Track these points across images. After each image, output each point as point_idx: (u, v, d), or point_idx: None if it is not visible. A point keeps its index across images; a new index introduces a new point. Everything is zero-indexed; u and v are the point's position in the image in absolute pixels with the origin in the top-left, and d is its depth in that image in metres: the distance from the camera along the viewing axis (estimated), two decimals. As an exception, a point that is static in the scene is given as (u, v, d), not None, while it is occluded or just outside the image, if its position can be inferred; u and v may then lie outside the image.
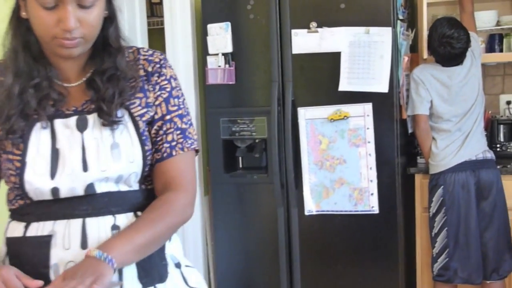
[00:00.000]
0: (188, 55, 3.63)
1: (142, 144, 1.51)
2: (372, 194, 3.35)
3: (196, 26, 3.69)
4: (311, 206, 3.45)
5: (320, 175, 3.42)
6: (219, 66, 3.51)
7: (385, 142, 3.32)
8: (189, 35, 3.62)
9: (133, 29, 3.51)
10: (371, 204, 3.35)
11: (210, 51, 3.53)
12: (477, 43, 3.40)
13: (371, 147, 3.33)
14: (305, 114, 3.42)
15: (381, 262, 3.40)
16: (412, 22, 3.72)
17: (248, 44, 3.49)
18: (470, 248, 3.27)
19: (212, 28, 3.51)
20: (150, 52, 1.61)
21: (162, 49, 3.70)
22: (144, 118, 1.53)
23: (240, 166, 3.73)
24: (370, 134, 3.32)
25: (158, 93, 1.56)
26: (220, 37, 3.50)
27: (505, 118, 3.81)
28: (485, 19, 3.72)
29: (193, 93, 3.67)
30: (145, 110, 1.54)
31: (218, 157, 3.60)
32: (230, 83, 3.52)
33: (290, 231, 3.51)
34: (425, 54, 3.54)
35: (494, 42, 3.83)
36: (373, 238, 3.38)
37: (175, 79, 1.61)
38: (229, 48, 3.49)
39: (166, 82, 1.58)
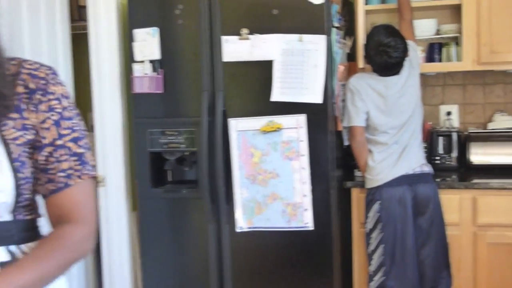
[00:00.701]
0: (113, 62, 3.41)
1: (15, 171, 1.31)
2: (306, 209, 3.19)
3: (122, 31, 3.48)
4: (242, 223, 3.27)
5: (252, 189, 3.25)
6: (146, 74, 3.31)
7: (319, 155, 3.17)
8: (114, 41, 3.41)
9: (53, 34, 3.27)
10: (305, 220, 3.19)
11: (137, 58, 3.32)
12: (415, 52, 3.28)
13: (305, 161, 3.17)
14: (236, 125, 3.25)
15: (316, 280, 3.24)
16: (350, 30, 3.59)
17: (177, 51, 3.30)
18: (407, 266, 3.14)
19: (139, 33, 3.30)
20: (36, 66, 1.41)
21: (87, 55, 3.48)
22: (18, 142, 1.33)
23: (169, 180, 3.52)
24: (303, 147, 3.17)
25: (47, 114, 1.36)
26: (147, 43, 3.30)
27: (445, 129, 3.70)
28: (424, 28, 3.62)
29: (118, 102, 3.45)
30: (20, 132, 1.34)
31: (145, 171, 3.39)
32: (158, 92, 3.32)
33: (221, 248, 3.32)
34: (361, 63, 3.41)
35: (433, 51, 3.73)
36: (308, 256, 3.22)
37: (67, 97, 1.41)
38: (156, 55, 3.29)
39: (55, 101, 1.38)
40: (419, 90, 3.27)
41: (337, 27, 3.25)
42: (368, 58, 3.19)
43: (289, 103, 3.15)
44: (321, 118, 3.15)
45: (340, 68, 3.24)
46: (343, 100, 3.31)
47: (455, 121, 3.86)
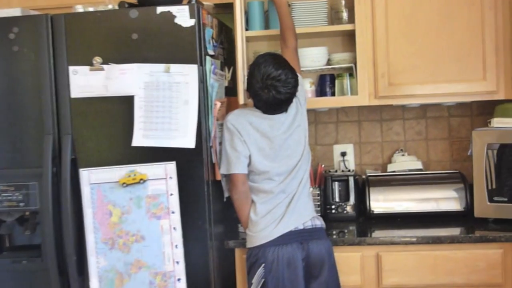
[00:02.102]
0: None
1: None
2: (179, 279, 2.58)
3: None
4: (98, 300, 2.60)
5: (111, 257, 2.60)
6: (-29, 114, 2.59)
7: (194, 211, 2.59)
8: None
9: None
10: (178, 293, 2.57)
11: (-41, 94, 2.61)
12: (301, 87, 2.77)
13: (176, 219, 2.57)
14: (89, 177, 2.60)
15: None
16: (229, 59, 3.05)
17: (12, 85, 2.62)
18: None
19: (-39, 63, 2.60)
20: None
21: None
22: None
23: (7, 246, 2.80)
24: (174, 202, 2.57)
25: None
26: (-27, 75, 2.59)
27: (340, 173, 3.22)
28: (314, 57, 3.14)
29: None
30: None
31: (-26, 237, 2.66)
32: (-12, 136, 2.61)
33: (73, 333, 2.63)
34: (242, 99, 2.85)
35: (325, 84, 3.26)
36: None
37: None
38: (-15, 90, 2.60)
39: None
40: (307, 130, 2.77)
41: (212, 56, 2.70)
42: (252, 92, 2.63)
43: (155, 149, 2.56)
44: (195, 166, 2.57)
45: (217, 105, 2.68)
46: (221, 143, 2.75)
47: (351, 163, 3.40)
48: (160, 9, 2.55)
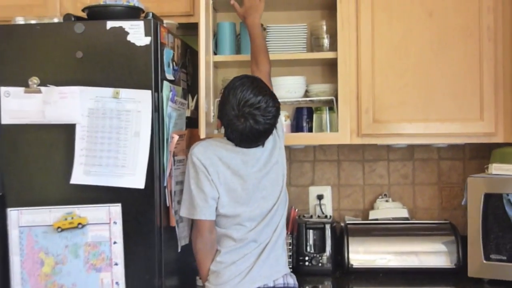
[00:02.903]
0: None
1: None
2: None
3: None
4: None
5: (40, 315, 2.18)
6: None
7: (141, 263, 2.19)
8: None
9: None
10: None
11: None
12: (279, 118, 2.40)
13: (119, 272, 2.17)
14: (19, 218, 2.19)
15: None
16: (195, 86, 2.68)
17: None
18: None
19: None
20: None
21: None
22: None
23: None
24: (118, 252, 2.17)
25: None
26: None
27: (316, 219, 2.84)
28: (290, 87, 2.79)
29: None
30: None
31: None
32: None
33: None
34: (203, 132, 2.45)
35: (301, 118, 2.90)
36: None
37: None
38: None
39: None
40: (286, 168, 2.39)
41: (172, 81, 2.33)
42: (225, 121, 2.23)
43: (98, 188, 2.17)
44: (144, 210, 2.18)
45: (174, 138, 2.29)
46: (181, 182, 2.36)
47: (328, 208, 3.03)
48: (110, 24, 2.18)
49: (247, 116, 2.15)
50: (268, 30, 2.77)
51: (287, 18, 2.93)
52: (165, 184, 2.25)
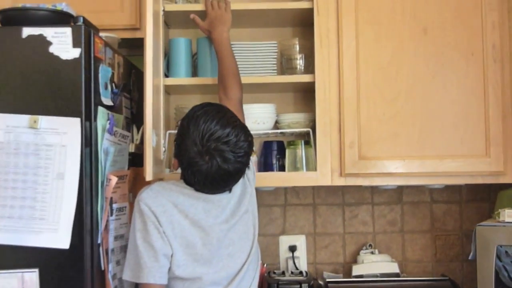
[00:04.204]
0: None
1: None
2: None
3: None
4: None
5: None
6: None
7: None
8: None
9: None
10: None
11: None
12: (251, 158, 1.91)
13: None
14: None
15: None
16: (142, 115, 2.16)
17: None
18: None
19: None
20: None
21: None
22: None
23: None
24: (34, 334, 1.62)
25: None
26: None
27: (290, 277, 2.34)
28: (257, 117, 2.32)
29: None
30: None
31: None
32: None
33: None
34: (150, 174, 1.90)
35: (271, 154, 2.42)
36: None
37: None
38: None
39: None
40: (257, 217, 1.88)
41: (109, 107, 1.82)
42: (184, 160, 1.71)
43: (8, 248, 1.63)
44: (70, 276, 1.64)
45: (112, 180, 1.77)
46: (120, 236, 1.83)
47: (302, 261, 2.53)
48: (27, 31, 1.67)
49: (213, 153, 1.65)
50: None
51: (252, 36, 2.49)
52: (99, 241, 1.72)
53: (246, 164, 1.72)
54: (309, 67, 2.32)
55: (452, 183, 2.27)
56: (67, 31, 1.66)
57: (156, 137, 1.87)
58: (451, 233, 2.56)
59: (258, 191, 2.51)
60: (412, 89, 2.20)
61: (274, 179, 2.29)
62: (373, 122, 2.19)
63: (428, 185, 2.39)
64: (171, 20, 2.42)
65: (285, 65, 2.38)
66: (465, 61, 2.20)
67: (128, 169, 1.97)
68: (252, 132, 2.20)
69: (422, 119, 2.19)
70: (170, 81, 2.27)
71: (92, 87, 1.69)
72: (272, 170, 2.39)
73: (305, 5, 2.27)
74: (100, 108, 1.73)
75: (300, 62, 2.36)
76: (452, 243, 2.55)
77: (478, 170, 2.19)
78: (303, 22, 2.42)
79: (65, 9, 1.78)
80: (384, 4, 2.22)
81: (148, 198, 1.71)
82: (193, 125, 1.67)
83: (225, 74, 2.06)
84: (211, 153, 1.64)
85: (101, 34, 2.03)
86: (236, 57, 2.27)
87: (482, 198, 2.54)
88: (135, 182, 2.00)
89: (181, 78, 2.29)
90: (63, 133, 1.64)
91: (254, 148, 2.35)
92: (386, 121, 2.19)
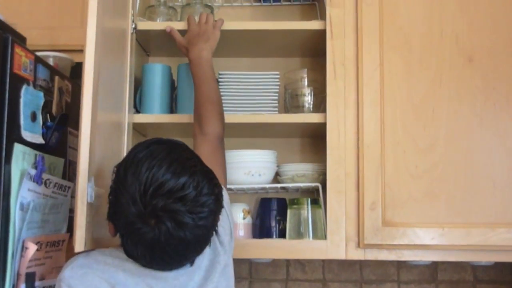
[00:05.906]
0: None
1: None
2: None
3: None
4: None
5: None
6: None
7: None
8: None
9: None
10: None
11: None
12: (226, 213, 1.39)
13: None
14: None
15: None
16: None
17: None
18: None
19: None
20: None
21: None
22: None
23: None
24: None
25: None
26: None
27: None
28: (251, 168, 1.82)
29: None
30: None
31: None
32: None
33: None
34: (81, 244, 1.31)
35: (269, 214, 1.89)
36: None
37: None
38: None
39: None
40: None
41: (37, 146, 1.32)
42: (121, 224, 1.16)
43: None
44: None
45: (30, 249, 1.24)
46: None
47: None
48: None
49: (161, 215, 1.11)
50: (220, 79, 1.81)
51: (252, 67, 2.03)
52: None
53: (211, 228, 1.19)
54: (320, 106, 1.83)
55: (506, 260, 1.71)
56: (-32, 35, 1.17)
57: (101, 190, 1.34)
58: (500, 323, 1.99)
59: (252, 262, 1.99)
60: (453, 135, 1.68)
61: (273, 248, 1.75)
62: (401, 177, 1.67)
63: (472, 262, 1.84)
64: (150, 45, 1.96)
65: (289, 103, 1.88)
66: (524, 99, 1.69)
67: (68, 231, 1.45)
68: (244, 187, 1.70)
69: (467, 174, 1.67)
70: (140, 118, 1.78)
71: (4, 115, 1.19)
72: (270, 236, 1.85)
73: (315, 25, 1.79)
74: (17, 146, 1.22)
75: (308, 99, 1.86)
76: (501, 337, 1.98)
77: (541, 243, 1.65)
78: (314, 51, 1.94)
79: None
80: (417, 24, 1.73)
81: (72, 277, 1.17)
82: (132, 174, 1.13)
83: (202, 102, 1.57)
84: (158, 215, 1.11)
85: (49, 53, 1.59)
86: (226, 90, 1.79)
87: (540, 278, 1.98)
88: (67, 254, 1.47)
89: (154, 115, 1.80)
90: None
91: (247, 207, 1.85)
92: (419, 176, 1.67)
